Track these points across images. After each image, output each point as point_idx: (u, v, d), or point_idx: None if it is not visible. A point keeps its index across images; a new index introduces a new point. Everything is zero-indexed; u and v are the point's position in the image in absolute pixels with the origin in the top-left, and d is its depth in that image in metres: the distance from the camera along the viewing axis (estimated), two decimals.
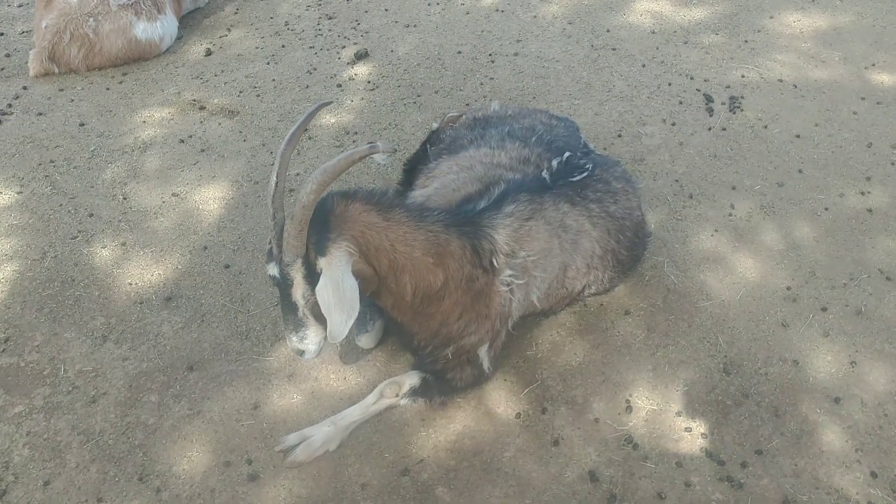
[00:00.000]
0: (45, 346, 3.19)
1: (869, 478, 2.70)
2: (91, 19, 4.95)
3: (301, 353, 2.55)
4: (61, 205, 3.94)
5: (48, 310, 3.35)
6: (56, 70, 5.01)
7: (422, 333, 2.79)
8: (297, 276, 2.36)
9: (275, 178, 2.41)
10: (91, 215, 3.88)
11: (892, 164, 4.15)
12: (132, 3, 5.10)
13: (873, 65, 5.03)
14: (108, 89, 4.93)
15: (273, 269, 2.42)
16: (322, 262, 2.32)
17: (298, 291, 2.39)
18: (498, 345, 2.94)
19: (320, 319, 2.42)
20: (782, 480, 2.69)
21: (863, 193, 3.95)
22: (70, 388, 3.02)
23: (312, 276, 2.35)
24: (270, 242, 2.44)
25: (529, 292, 2.89)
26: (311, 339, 2.50)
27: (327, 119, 4.58)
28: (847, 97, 4.72)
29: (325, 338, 2.50)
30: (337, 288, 2.30)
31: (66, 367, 3.10)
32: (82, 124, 4.57)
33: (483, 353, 2.87)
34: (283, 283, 2.40)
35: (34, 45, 5.04)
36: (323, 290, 2.31)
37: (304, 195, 2.27)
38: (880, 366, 3.09)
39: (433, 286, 2.59)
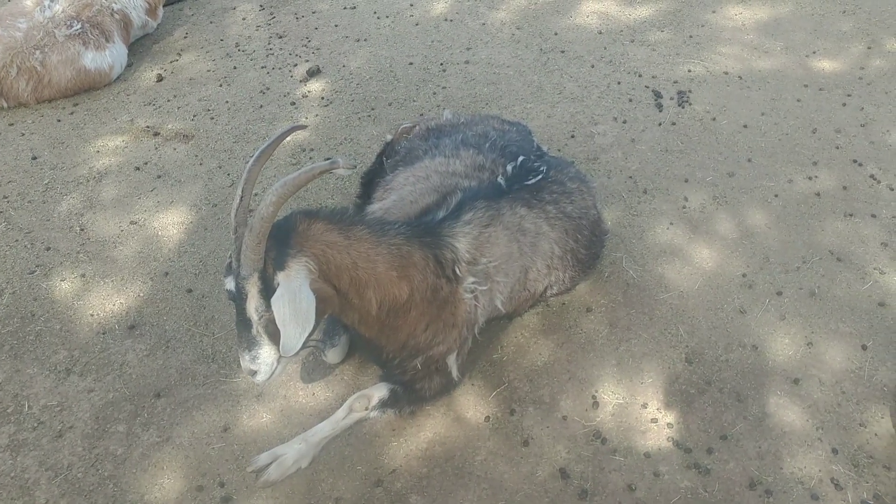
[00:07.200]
0: (8, 383, 3.15)
1: (830, 454, 2.78)
2: (38, 52, 4.89)
3: (253, 373, 2.50)
4: (17, 240, 3.90)
5: (9, 347, 3.31)
6: (5, 105, 4.95)
7: (389, 346, 2.79)
8: (253, 289, 2.33)
9: (240, 192, 2.41)
10: (48, 249, 3.84)
11: (837, 147, 4.27)
12: (79, 33, 5.06)
13: (814, 52, 5.18)
14: (59, 121, 4.89)
15: (230, 283, 2.40)
16: (280, 276, 2.30)
17: (252, 306, 2.35)
18: (465, 352, 2.96)
19: (274, 339, 2.40)
20: (747, 463, 2.75)
21: (810, 178, 4.06)
22: (35, 424, 2.99)
23: (268, 291, 2.32)
24: (230, 257, 2.43)
25: (493, 297, 2.92)
26: (263, 359, 2.46)
27: None
28: (791, 85, 4.85)
29: (279, 359, 2.47)
30: (293, 298, 2.27)
31: (30, 404, 3.07)
32: (35, 158, 4.52)
33: (451, 361, 2.89)
34: (239, 298, 2.37)
35: None
36: (279, 301, 2.28)
37: (263, 207, 2.25)
38: (836, 345, 3.18)
39: (399, 299, 2.60)
